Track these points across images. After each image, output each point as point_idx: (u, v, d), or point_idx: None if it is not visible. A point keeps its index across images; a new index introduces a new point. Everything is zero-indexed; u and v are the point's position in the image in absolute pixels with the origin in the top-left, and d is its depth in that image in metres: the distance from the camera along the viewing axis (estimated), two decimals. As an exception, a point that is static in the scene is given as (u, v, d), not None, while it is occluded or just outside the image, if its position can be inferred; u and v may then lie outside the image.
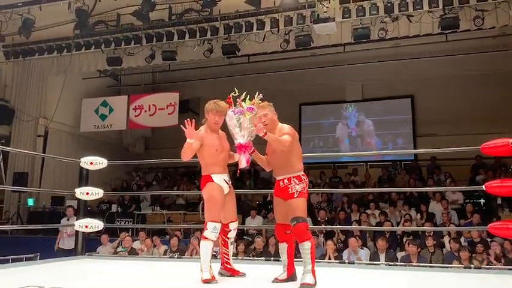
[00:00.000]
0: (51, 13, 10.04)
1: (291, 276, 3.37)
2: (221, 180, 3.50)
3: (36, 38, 10.70)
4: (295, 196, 3.28)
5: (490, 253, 6.65)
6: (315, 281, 3.13)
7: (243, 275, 3.63)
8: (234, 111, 3.48)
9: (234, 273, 3.61)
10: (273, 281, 3.36)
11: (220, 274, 3.60)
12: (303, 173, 3.39)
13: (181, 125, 3.40)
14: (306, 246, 3.19)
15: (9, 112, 11.58)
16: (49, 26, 10.47)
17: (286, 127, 3.42)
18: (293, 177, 3.33)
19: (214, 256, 4.15)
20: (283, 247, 3.45)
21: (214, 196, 3.44)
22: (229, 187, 3.57)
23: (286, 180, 3.34)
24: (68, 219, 8.77)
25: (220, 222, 3.47)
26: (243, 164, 3.46)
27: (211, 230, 3.37)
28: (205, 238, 3.38)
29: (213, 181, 3.46)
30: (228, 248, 3.63)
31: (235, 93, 3.50)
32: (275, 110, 3.49)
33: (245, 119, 3.43)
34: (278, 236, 3.49)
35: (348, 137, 13.81)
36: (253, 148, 3.48)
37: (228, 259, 3.62)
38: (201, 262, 3.36)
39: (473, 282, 3.56)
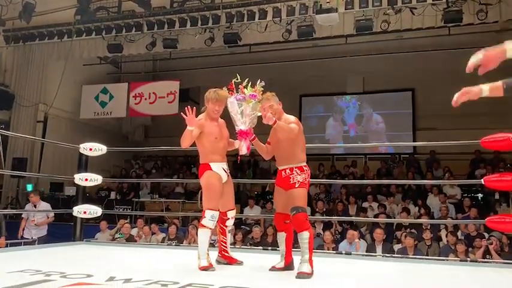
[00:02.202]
0: (52, -2, 9.99)
1: (289, 265, 3.39)
2: (219, 168, 3.50)
3: (36, 23, 10.62)
4: (296, 186, 3.30)
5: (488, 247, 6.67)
6: (312, 271, 3.15)
7: (241, 263, 3.65)
8: (236, 98, 3.48)
9: (231, 261, 3.63)
10: (270, 269, 3.38)
11: (218, 262, 3.61)
12: (305, 164, 3.40)
13: (182, 112, 3.40)
14: (305, 236, 3.21)
15: (9, 97, 11.55)
16: (50, 11, 10.41)
17: (292, 118, 3.44)
18: (295, 168, 3.34)
19: (212, 245, 4.17)
20: (281, 236, 3.46)
21: (212, 184, 3.44)
22: (228, 176, 3.58)
23: (288, 170, 3.35)
24: (35, 206, 7.89)
25: (218, 210, 3.49)
26: (244, 150, 3.48)
27: (209, 218, 3.38)
28: (203, 226, 3.39)
29: (211, 169, 3.47)
30: (225, 236, 3.65)
31: (237, 79, 3.50)
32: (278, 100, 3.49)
33: (247, 105, 3.44)
34: (277, 225, 3.51)
35: (342, 139, 13.53)
36: (254, 135, 3.50)
37: (226, 247, 3.64)
38: (199, 250, 3.38)
39: (469, 275, 3.58)
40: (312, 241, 3.25)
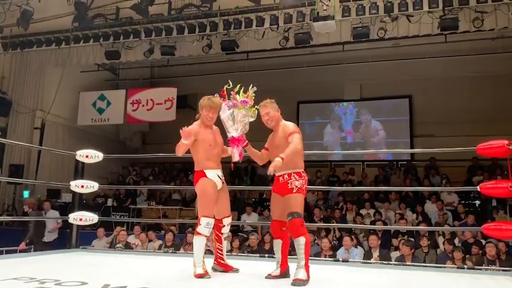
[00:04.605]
0: (50, 5, 10.02)
1: (284, 273, 3.38)
2: (214, 175, 3.51)
3: (34, 30, 10.64)
4: (293, 191, 3.30)
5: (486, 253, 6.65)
6: (308, 277, 3.14)
7: (237, 270, 3.63)
8: (227, 105, 3.50)
9: (227, 268, 3.61)
10: (266, 277, 3.36)
11: (214, 269, 3.60)
12: (303, 170, 3.40)
13: (180, 129, 3.38)
14: (301, 242, 3.20)
15: (6, 104, 11.54)
16: (48, 18, 10.44)
17: (291, 125, 3.43)
18: (293, 173, 3.34)
19: (210, 251, 4.15)
20: (277, 243, 3.45)
21: (207, 191, 3.44)
22: (223, 182, 3.58)
23: (286, 176, 3.35)
24: (46, 213, 8.67)
25: (214, 217, 3.48)
26: (236, 157, 3.51)
27: (205, 225, 3.38)
28: (199, 233, 3.39)
29: (206, 176, 3.47)
30: (221, 244, 3.63)
31: (229, 85, 3.51)
32: (278, 107, 3.48)
33: (239, 112, 3.46)
34: (273, 232, 3.50)
35: (340, 146, 13.48)
36: (246, 141, 3.51)
37: (222, 254, 3.63)
38: (194, 257, 3.37)
39: (465, 282, 3.57)
40: (308, 247, 3.23)
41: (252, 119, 3.52)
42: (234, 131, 3.47)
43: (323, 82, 13.14)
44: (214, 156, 3.54)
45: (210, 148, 3.50)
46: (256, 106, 3.53)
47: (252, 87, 3.50)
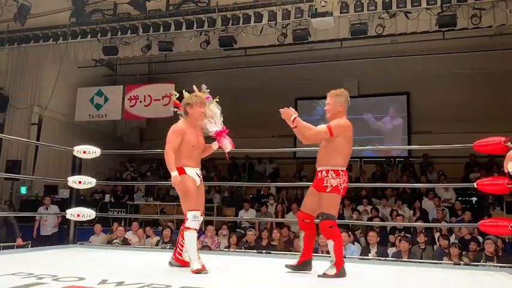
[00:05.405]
0: (47, 0, 9.95)
1: (303, 263, 3.42)
2: (193, 173, 3.56)
3: (31, 25, 10.58)
4: (327, 190, 3.30)
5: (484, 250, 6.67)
6: (338, 274, 3.23)
7: None
8: None
9: (184, 264, 3.60)
10: (285, 266, 3.44)
11: (170, 264, 3.66)
12: (343, 168, 3.37)
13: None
14: (330, 245, 3.29)
15: (4, 99, 11.50)
16: (45, 13, 10.37)
17: (334, 123, 3.44)
18: (331, 170, 3.33)
19: (208, 247, 4.16)
20: (301, 234, 3.52)
21: (188, 186, 3.49)
22: (201, 180, 3.64)
23: (324, 172, 3.36)
24: (47, 208, 9.26)
25: (199, 210, 3.52)
26: (228, 147, 3.65)
27: (192, 218, 3.44)
28: (188, 228, 3.43)
29: (185, 173, 3.51)
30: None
31: (176, 94, 3.78)
32: (344, 102, 3.58)
33: (207, 109, 3.62)
34: (298, 222, 3.54)
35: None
36: (227, 130, 3.66)
37: (182, 250, 3.63)
38: (189, 253, 3.41)
39: (462, 278, 3.59)
40: (338, 248, 3.28)
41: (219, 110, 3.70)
42: (214, 127, 3.64)
43: (321, 78, 13.09)
44: (195, 157, 3.61)
45: (193, 149, 3.57)
46: (215, 99, 3.74)
47: (203, 87, 3.74)
